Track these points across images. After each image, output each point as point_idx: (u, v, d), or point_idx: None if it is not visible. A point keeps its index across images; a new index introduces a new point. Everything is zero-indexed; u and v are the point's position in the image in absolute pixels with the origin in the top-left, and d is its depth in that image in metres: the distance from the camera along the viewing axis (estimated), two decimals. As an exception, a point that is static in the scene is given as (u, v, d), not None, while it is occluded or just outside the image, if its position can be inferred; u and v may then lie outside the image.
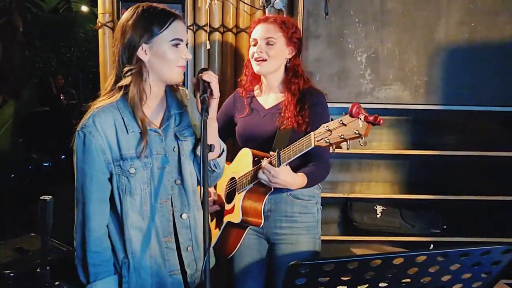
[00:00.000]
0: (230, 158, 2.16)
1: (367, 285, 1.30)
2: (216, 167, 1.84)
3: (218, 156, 1.83)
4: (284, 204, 2.11)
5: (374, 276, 1.29)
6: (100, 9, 2.86)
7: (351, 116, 1.57)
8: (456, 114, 2.79)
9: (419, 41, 2.67)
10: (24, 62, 3.80)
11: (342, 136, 1.63)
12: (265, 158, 1.96)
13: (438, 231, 2.88)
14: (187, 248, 1.79)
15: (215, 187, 2.27)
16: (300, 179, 1.98)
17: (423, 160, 2.98)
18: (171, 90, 1.82)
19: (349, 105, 2.71)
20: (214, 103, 1.70)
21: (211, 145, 1.65)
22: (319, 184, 2.18)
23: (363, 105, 2.67)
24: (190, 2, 2.84)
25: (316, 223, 2.16)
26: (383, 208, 2.94)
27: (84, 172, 1.67)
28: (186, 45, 1.73)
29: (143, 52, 1.66)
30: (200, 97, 1.64)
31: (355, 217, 2.93)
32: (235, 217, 2.04)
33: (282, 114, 2.09)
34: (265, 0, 2.75)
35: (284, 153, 1.88)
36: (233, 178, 2.15)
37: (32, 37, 3.74)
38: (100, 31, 2.87)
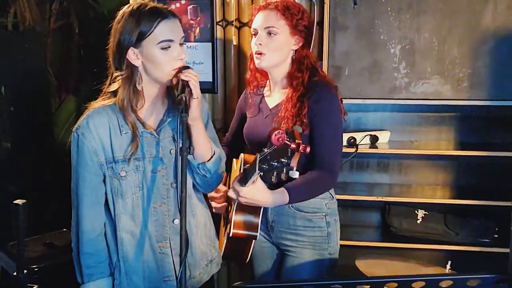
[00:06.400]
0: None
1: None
2: (205, 171, 1.68)
3: (208, 160, 1.68)
4: (287, 217, 1.93)
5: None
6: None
7: (271, 142, 1.39)
8: (507, 110, 2.47)
9: (461, 29, 2.40)
10: (81, 61, 3.97)
11: (277, 164, 1.43)
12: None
13: (487, 240, 2.58)
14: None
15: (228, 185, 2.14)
16: (276, 196, 1.72)
17: (472, 161, 2.69)
18: (172, 91, 1.72)
19: (382, 102, 2.57)
20: (194, 103, 1.55)
21: (189, 147, 1.58)
22: (330, 193, 1.96)
23: (397, 101, 2.53)
24: (219, -3, 2.77)
25: (326, 238, 1.93)
26: (425, 213, 2.68)
27: (78, 173, 1.66)
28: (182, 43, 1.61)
29: (134, 57, 1.59)
30: (177, 96, 1.51)
31: (393, 222, 2.71)
32: (229, 230, 1.86)
33: (279, 114, 1.87)
34: (295, -8, 2.61)
35: (250, 171, 1.59)
36: None
37: (87, 38, 3.89)
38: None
